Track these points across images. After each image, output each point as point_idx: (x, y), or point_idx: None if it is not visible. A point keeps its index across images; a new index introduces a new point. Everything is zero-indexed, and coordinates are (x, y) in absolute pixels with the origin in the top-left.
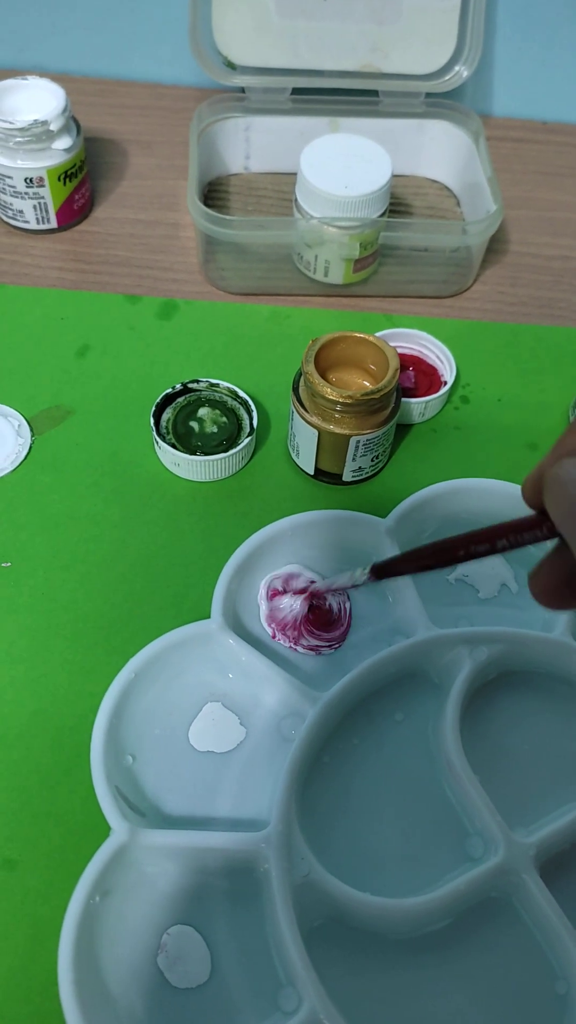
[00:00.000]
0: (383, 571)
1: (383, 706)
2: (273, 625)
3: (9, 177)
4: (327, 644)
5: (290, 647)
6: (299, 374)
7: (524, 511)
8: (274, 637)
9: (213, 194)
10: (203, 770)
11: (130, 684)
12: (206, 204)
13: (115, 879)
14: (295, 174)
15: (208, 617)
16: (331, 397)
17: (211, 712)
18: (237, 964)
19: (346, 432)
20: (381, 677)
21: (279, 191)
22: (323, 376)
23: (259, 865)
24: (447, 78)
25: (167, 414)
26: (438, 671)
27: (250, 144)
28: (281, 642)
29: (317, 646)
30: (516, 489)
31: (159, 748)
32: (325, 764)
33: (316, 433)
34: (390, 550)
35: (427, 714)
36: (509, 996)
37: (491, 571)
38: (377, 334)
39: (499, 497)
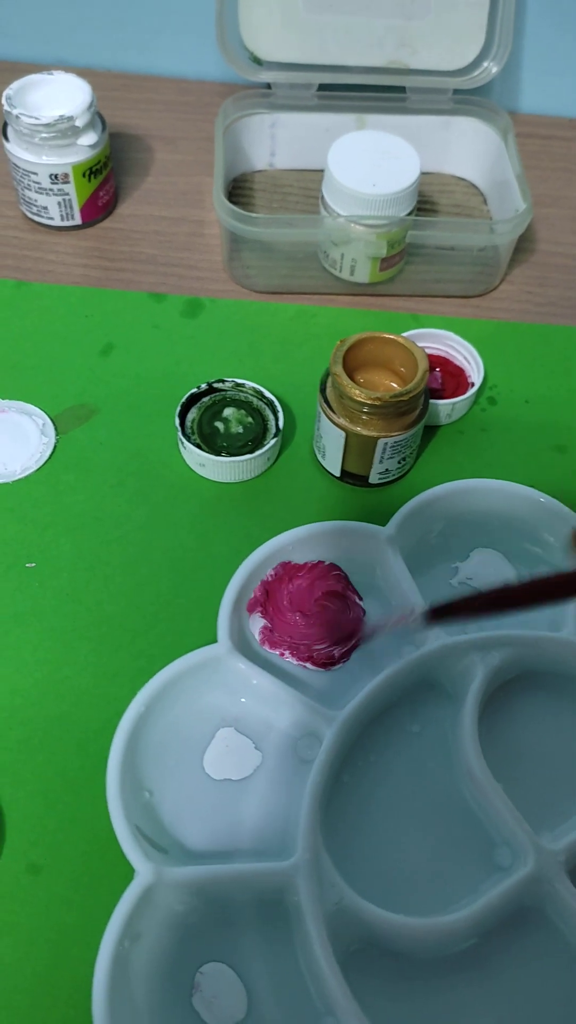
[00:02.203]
0: (439, 615)
1: (397, 718)
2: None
3: (34, 173)
4: (339, 650)
5: (299, 663)
6: (326, 375)
7: (531, 513)
8: (280, 653)
9: (238, 191)
10: (222, 799)
11: (141, 718)
12: (231, 201)
13: (144, 922)
14: (321, 171)
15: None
16: (359, 399)
17: (225, 738)
18: (273, 997)
19: (373, 434)
20: (395, 690)
21: (305, 188)
22: (351, 377)
23: (289, 895)
24: (475, 74)
25: (192, 414)
26: (451, 679)
27: (275, 141)
28: (290, 659)
29: (327, 661)
30: (520, 489)
31: (175, 780)
32: (344, 783)
33: (343, 435)
34: (392, 559)
35: (443, 723)
36: (553, 1006)
37: (493, 572)
38: (404, 334)
39: (502, 497)
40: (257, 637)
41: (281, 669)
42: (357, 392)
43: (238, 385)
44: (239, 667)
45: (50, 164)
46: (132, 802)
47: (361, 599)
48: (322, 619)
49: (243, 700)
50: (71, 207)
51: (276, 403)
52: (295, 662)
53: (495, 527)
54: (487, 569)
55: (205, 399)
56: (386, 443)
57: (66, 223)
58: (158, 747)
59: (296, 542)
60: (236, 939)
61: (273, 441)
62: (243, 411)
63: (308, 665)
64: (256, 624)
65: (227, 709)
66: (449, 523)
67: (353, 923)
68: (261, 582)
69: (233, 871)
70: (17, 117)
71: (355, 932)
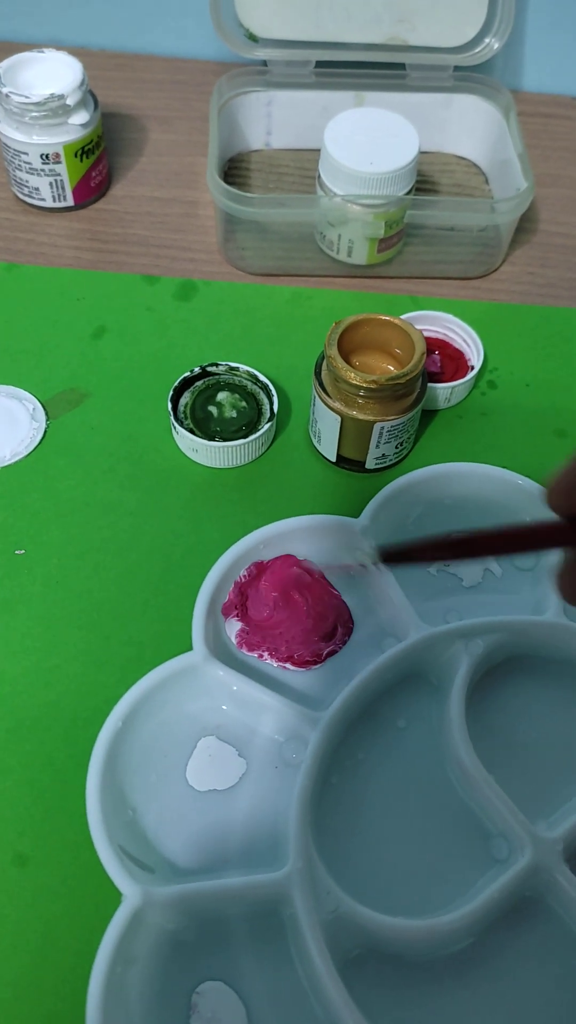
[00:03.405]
0: (394, 556)
1: (383, 714)
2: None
3: (25, 153)
4: (322, 648)
5: (279, 665)
6: (321, 357)
7: (510, 496)
8: (252, 650)
9: (233, 171)
10: (207, 811)
11: (118, 734)
12: (226, 181)
13: (135, 945)
14: (318, 150)
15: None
16: (355, 382)
17: (207, 747)
18: (273, 1013)
19: (370, 418)
20: (379, 684)
21: (301, 168)
22: (346, 360)
23: (283, 906)
24: (477, 51)
25: (185, 398)
26: (435, 670)
27: (272, 119)
28: (269, 661)
29: (309, 660)
30: (498, 472)
31: (158, 795)
32: (333, 785)
33: (339, 419)
34: (367, 550)
35: (429, 716)
36: (562, 997)
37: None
38: (402, 316)
39: (480, 480)
40: (234, 640)
41: (261, 672)
42: (352, 375)
43: (232, 369)
44: (218, 674)
45: (41, 144)
46: (114, 822)
47: (336, 591)
48: (297, 612)
49: (224, 707)
50: (63, 188)
51: (271, 387)
52: (275, 664)
53: (473, 511)
54: None
55: (198, 383)
56: (383, 427)
57: (58, 204)
58: (138, 762)
59: (266, 540)
60: (231, 955)
61: (267, 426)
62: (237, 395)
63: (288, 666)
64: (232, 628)
65: (207, 717)
66: (426, 509)
67: (351, 929)
68: (235, 583)
69: (224, 886)
70: (7, 96)
71: (353, 938)
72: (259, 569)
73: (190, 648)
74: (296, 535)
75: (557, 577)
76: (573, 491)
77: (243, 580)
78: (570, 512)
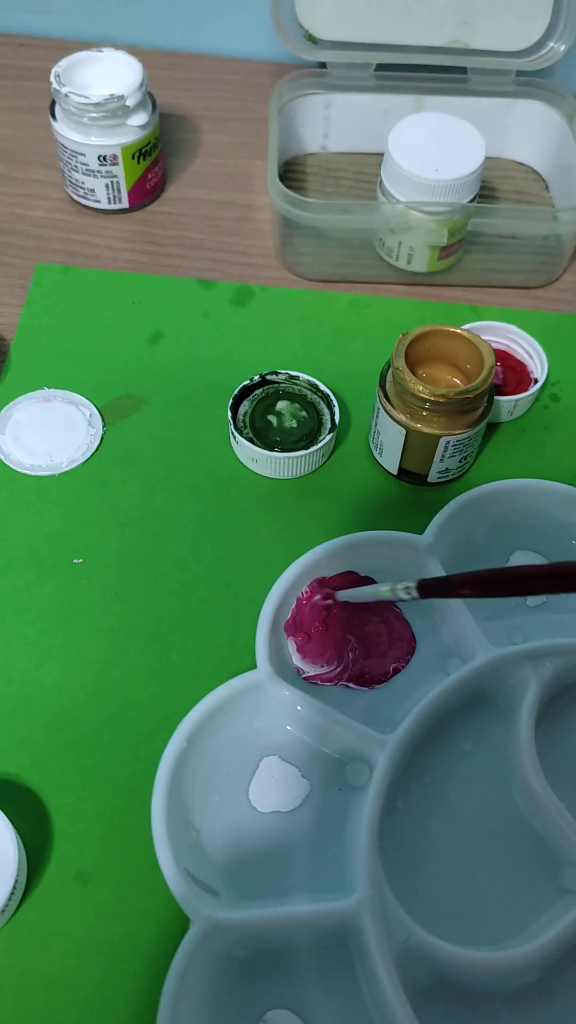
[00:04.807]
0: (432, 590)
1: (449, 737)
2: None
3: (82, 155)
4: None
5: (342, 685)
6: (386, 368)
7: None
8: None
9: (288, 174)
10: (271, 833)
11: (183, 753)
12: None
13: (202, 972)
14: (376, 154)
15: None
16: (422, 395)
17: (269, 768)
18: None
19: (436, 432)
20: (446, 708)
21: (358, 172)
22: (412, 371)
23: (353, 935)
24: (540, 55)
25: (244, 407)
26: (503, 693)
27: (329, 122)
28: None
29: (372, 680)
30: (565, 489)
31: (221, 816)
32: (399, 809)
33: (403, 432)
34: (432, 568)
35: (496, 740)
36: None
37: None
38: (464, 327)
39: (546, 497)
40: (294, 660)
41: (325, 692)
42: (420, 388)
43: (292, 377)
44: (283, 693)
45: (99, 145)
46: (180, 843)
47: (399, 609)
48: (350, 634)
49: (288, 727)
50: (119, 190)
51: (331, 396)
52: (333, 684)
53: (538, 528)
54: None
55: (258, 391)
56: (448, 441)
57: (113, 206)
58: (202, 782)
59: (329, 556)
60: (298, 982)
61: (329, 437)
62: (297, 404)
63: (351, 684)
64: (292, 647)
65: (271, 737)
66: (491, 525)
67: (422, 960)
68: (296, 601)
69: (293, 914)
70: (66, 96)
71: (424, 968)
72: (320, 585)
73: (252, 663)
74: (359, 550)
75: None
76: None
77: (303, 599)
78: None
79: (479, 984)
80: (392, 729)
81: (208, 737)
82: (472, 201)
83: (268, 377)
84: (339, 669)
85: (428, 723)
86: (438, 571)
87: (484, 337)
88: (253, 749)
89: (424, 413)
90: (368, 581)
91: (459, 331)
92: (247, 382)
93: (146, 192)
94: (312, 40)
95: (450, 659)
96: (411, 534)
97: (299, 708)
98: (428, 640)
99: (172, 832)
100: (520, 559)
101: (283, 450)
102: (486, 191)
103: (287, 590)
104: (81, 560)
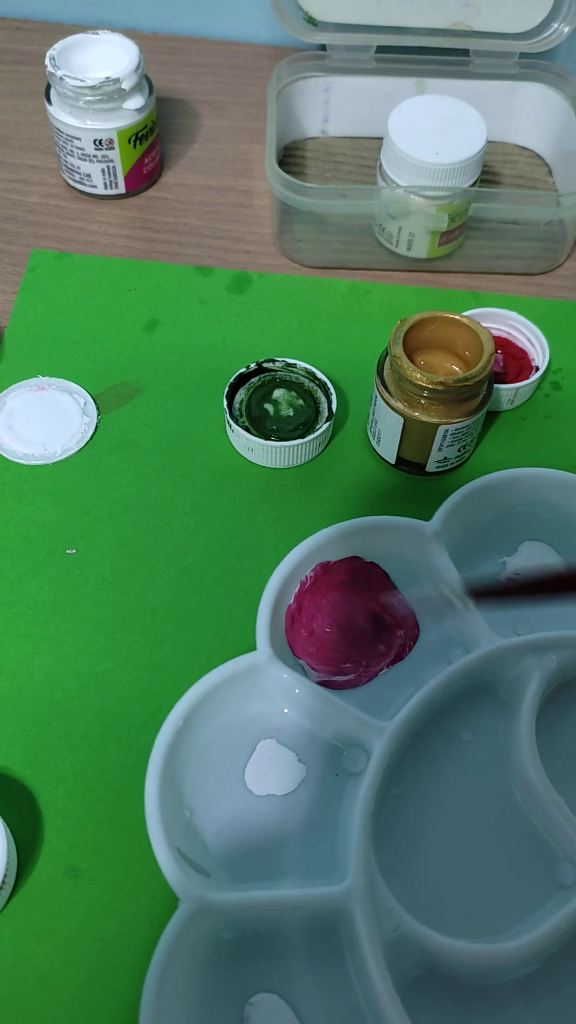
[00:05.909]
0: (485, 594)
1: (448, 726)
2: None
3: (77, 139)
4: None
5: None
6: (384, 355)
7: None
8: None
9: (288, 159)
10: (265, 816)
11: (179, 732)
12: (281, 170)
13: (189, 953)
14: (376, 139)
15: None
16: (420, 383)
17: (266, 751)
18: None
19: (434, 420)
20: (445, 696)
21: (359, 157)
22: (410, 359)
23: (343, 922)
24: (544, 37)
25: (240, 395)
26: (505, 683)
27: (329, 106)
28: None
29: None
30: (573, 478)
31: (216, 798)
32: (394, 797)
33: (401, 420)
34: (438, 555)
35: (496, 730)
36: None
37: (541, 566)
38: (464, 314)
39: (555, 486)
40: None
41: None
42: (418, 376)
43: (289, 365)
44: (281, 676)
45: (95, 129)
46: (172, 823)
47: (404, 598)
48: (348, 637)
49: (285, 711)
50: (115, 175)
51: (329, 385)
52: (320, 676)
53: (546, 518)
54: (535, 562)
55: (254, 379)
56: (447, 430)
57: (109, 191)
58: (197, 763)
59: (334, 540)
60: (286, 967)
61: (326, 425)
62: (294, 393)
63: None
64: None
65: (268, 720)
66: (498, 514)
67: (412, 950)
68: (300, 585)
69: (283, 897)
70: (61, 79)
71: (414, 959)
72: (324, 570)
73: (247, 653)
74: (365, 535)
75: None
76: None
77: (306, 583)
78: None
79: (469, 976)
80: (391, 716)
81: (205, 718)
82: (473, 185)
83: (265, 365)
84: (356, 674)
85: (427, 711)
86: (444, 558)
87: (485, 324)
88: (250, 731)
89: (422, 401)
90: (373, 567)
91: (458, 317)
92: (243, 370)
93: (143, 177)
94: (312, 22)
95: (454, 648)
96: (418, 520)
97: (297, 691)
98: (431, 628)
99: (165, 811)
100: (530, 550)
101: (279, 439)
102: (488, 176)
103: (290, 573)
104: (74, 550)
